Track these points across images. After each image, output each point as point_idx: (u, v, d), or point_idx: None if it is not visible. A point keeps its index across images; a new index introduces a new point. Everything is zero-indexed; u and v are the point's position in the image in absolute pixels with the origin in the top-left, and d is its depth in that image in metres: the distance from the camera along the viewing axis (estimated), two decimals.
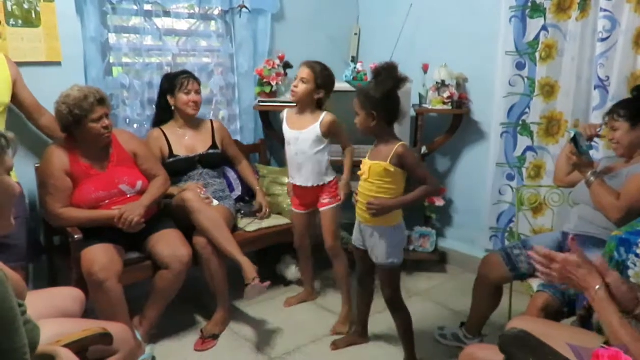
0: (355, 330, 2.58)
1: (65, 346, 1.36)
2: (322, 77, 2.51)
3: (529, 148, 2.95)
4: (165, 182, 2.61)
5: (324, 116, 2.53)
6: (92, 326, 1.53)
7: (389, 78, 2.01)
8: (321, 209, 2.64)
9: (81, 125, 2.31)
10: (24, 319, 1.10)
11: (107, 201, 2.39)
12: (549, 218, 2.76)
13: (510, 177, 3.07)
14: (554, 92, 2.79)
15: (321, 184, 2.60)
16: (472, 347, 1.62)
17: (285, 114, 2.67)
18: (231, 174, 3.03)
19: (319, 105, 2.57)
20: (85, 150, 2.39)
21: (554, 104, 2.79)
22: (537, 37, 2.83)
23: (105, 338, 1.50)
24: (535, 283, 2.16)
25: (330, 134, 2.56)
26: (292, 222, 2.84)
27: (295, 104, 2.61)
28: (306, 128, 2.54)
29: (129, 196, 2.45)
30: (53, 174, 2.31)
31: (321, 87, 2.51)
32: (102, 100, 2.34)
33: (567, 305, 1.97)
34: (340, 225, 2.74)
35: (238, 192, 3.01)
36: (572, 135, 2.11)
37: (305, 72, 2.50)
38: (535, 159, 2.92)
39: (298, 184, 2.65)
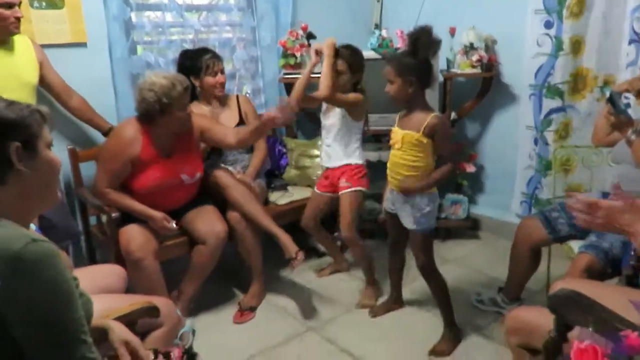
0: (391, 296, 2.59)
1: (116, 319, 1.38)
2: (354, 61, 2.48)
3: (559, 108, 2.88)
4: (243, 132, 2.50)
5: (349, 95, 2.51)
6: (138, 300, 1.55)
7: (429, 42, 1.98)
8: (340, 193, 2.61)
9: (167, 113, 2.25)
10: (78, 291, 1.12)
11: (164, 187, 2.37)
12: (579, 175, 2.74)
13: (536, 142, 3.01)
14: (580, 48, 2.72)
15: (346, 163, 2.59)
16: (518, 310, 1.60)
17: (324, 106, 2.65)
18: None
19: (355, 88, 2.53)
20: (158, 136, 2.34)
21: (581, 61, 2.74)
22: None
23: (152, 311, 1.53)
24: (576, 245, 2.12)
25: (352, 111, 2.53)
26: (308, 201, 2.80)
27: None
28: (332, 110, 2.55)
29: (186, 184, 2.44)
30: (117, 158, 2.29)
31: (357, 72, 2.50)
32: (187, 88, 2.30)
33: (610, 266, 1.94)
34: (360, 214, 2.73)
35: (268, 166, 3.01)
36: (607, 95, 2.04)
37: (338, 64, 2.46)
38: (565, 118, 2.87)
39: (327, 165, 2.65)
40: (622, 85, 2.26)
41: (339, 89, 2.48)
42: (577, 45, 2.74)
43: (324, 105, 2.63)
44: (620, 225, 1.31)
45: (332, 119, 2.58)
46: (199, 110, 2.79)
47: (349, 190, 2.58)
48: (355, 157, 2.60)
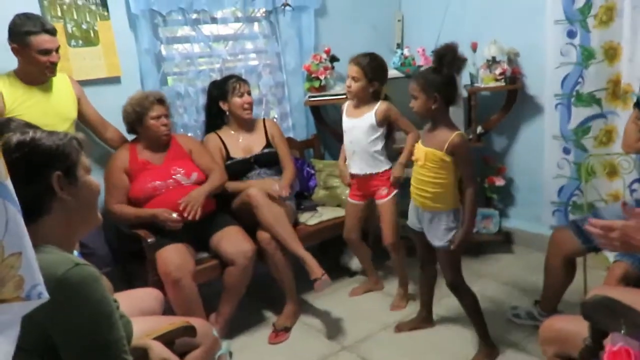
0: (419, 315, 2.57)
1: (154, 339, 1.43)
2: (371, 70, 2.52)
3: (597, 115, 2.84)
4: (222, 175, 2.71)
5: (379, 105, 2.56)
6: (176, 321, 1.60)
7: (454, 60, 2.00)
8: (379, 202, 2.64)
9: (142, 122, 2.54)
10: (119, 313, 1.17)
11: (163, 190, 2.52)
12: (621, 183, 2.66)
13: (567, 151, 2.97)
14: (617, 55, 2.69)
15: (374, 172, 2.61)
16: (552, 319, 1.58)
17: (345, 105, 2.71)
18: None
19: (376, 96, 2.58)
20: (145, 147, 2.60)
21: (619, 67, 2.70)
22: (588, 2, 2.72)
23: (190, 331, 1.57)
24: (611, 254, 2.08)
25: (387, 121, 2.57)
26: (345, 213, 2.84)
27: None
28: (361, 116, 2.58)
29: (184, 184, 2.57)
30: (112, 172, 2.52)
31: (373, 80, 2.53)
32: (160, 100, 2.56)
33: None
34: (398, 217, 2.73)
35: (297, 187, 3.06)
36: (634, 100, 2.03)
37: (354, 70, 2.51)
38: (606, 125, 2.82)
39: (352, 172, 2.68)
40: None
41: (353, 94, 2.55)
42: (611, 52, 2.72)
43: (349, 111, 2.66)
44: (637, 243, 1.29)
45: (359, 122, 2.59)
46: (228, 135, 2.89)
47: (389, 198, 2.62)
48: (384, 162, 2.63)
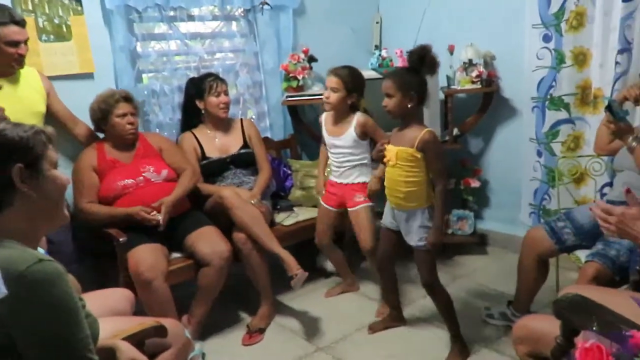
0: (390, 314, 2.58)
1: (123, 339, 1.39)
2: (351, 81, 2.52)
3: (566, 120, 2.88)
4: (194, 175, 2.68)
5: (357, 118, 2.56)
6: (146, 321, 1.56)
7: (434, 60, 2.04)
8: (354, 208, 2.62)
9: (107, 120, 2.50)
10: (85, 311, 1.14)
11: (133, 188, 2.48)
12: (591, 188, 2.70)
13: (539, 154, 3.01)
14: (586, 60, 2.74)
15: (357, 182, 2.61)
16: (525, 319, 1.59)
17: (323, 118, 2.70)
18: None
19: (353, 109, 2.58)
20: (112, 145, 2.56)
21: (589, 72, 2.74)
22: (562, 7, 2.77)
23: (160, 331, 1.53)
24: (583, 254, 2.11)
25: (367, 133, 2.57)
26: (317, 217, 2.81)
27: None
28: (342, 134, 2.58)
29: (153, 181, 2.54)
30: (81, 170, 2.47)
31: (352, 91, 2.52)
32: (127, 98, 2.52)
33: (618, 274, 1.93)
34: (375, 222, 2.73)
35: (273, 188, 3.03)
36: (606, 103, 2.07)
37: (333, 81, 2.51)
38: (574, 131, 2.86)
39: (337, 180, 2.67)
40: (620, 94, 2.29)
41: (332, 106, 2.54)
42: (581, 57, 2.76)
43: (329, 127, 2.65)
44: (632, 231, 1.31)
45: (341, 141, 2.59)
46: (204, 134, 2.85)
47: (365, 205, 2.60)
48: (368, 174, 2.63)
